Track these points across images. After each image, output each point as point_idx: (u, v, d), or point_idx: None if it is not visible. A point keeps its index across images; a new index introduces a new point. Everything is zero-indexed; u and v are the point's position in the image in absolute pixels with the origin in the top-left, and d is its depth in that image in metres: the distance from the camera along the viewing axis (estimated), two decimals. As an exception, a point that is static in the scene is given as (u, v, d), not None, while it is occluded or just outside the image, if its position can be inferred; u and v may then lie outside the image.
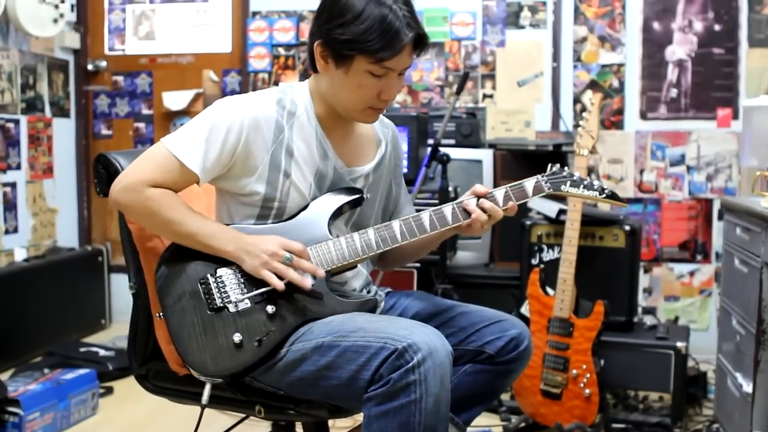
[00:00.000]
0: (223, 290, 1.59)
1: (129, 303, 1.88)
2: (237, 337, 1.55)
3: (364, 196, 1.73)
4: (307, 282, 1.58)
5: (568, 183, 1.68)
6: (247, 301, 1.59)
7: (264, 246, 1.57)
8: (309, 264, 1.59)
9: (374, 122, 1.72)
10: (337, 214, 1.69)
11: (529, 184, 1.67)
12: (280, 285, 1.55)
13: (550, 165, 1.71)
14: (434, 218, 1.64)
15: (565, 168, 1.71)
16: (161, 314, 1.61)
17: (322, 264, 1.62)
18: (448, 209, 1.65)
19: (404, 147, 1.95)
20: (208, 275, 1.61)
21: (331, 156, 1.69)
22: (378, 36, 1.53)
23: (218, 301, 1.58)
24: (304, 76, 4.07)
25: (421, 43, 1.59)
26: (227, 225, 1.64)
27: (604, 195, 1.69)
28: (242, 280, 1.60)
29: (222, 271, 1.61)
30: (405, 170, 2.60)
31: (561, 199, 3.06)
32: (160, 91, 4.28)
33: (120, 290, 4.21)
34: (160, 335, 1.78)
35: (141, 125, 4.34)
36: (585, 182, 1.69)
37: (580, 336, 2.63)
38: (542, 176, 1.68)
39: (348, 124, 1.73)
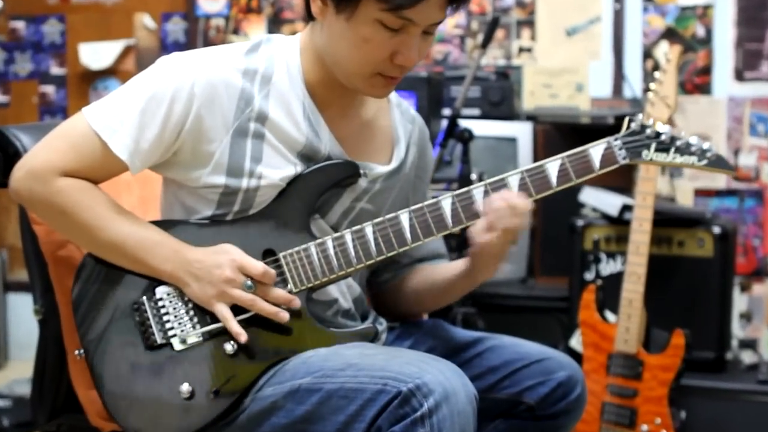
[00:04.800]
0: (164, 320, 1.60)
1: (33, 333, 1.88)
2: (185, 388, 1.56)
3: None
4: (283, 315, 1.58)
5: (653, 147, 1.61)
6: (198, 335, 1.59)
7: (216, 269, 1.57)
8: (279, 292, 1.59)
9: (384, 96, 1.69)
10: (324, 204, 1.68)
11: (595, 151, 1.61)
12: (243, 336, 1.56)
13: (627, 120, 1.63)
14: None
15: (648, 124, 1.62)
16: (81, 351, 1.61)
17: (300, 279, 1.62)
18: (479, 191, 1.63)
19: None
20: (144, 298, 1.61)
21: (324, 137, 1.66)
22: None
23: (158, 336, 1.59)
24: (273, 25, 4.08)
25: None
26: (170, 223, 1.64)
27: (706, 161, 1.60)
28: (190, 306, 1.61)
29: (162, 292, 1.62)
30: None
31: (626, 189, 3.06)
32: (76, 42, 4.28)
33: (21, 316, 4.21)
34: (77, 378, 1.79)
35: (49, 89, 4.34)
36: (678, 143, 1.61)
37: (652, 378, 2.64)
38: (615, 138, 1.62)
39: (351, 100, 1.70)
